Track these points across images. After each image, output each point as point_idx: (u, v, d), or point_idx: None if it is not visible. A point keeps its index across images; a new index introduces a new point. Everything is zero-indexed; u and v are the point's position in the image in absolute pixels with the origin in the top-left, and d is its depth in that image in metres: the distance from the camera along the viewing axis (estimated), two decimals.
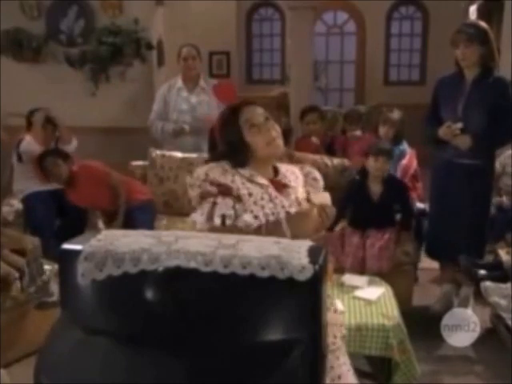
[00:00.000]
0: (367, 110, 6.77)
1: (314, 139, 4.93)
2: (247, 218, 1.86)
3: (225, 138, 2.01)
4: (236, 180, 1.92)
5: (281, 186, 1.99)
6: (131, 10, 5.30)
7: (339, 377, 2.01)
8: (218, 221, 1.84)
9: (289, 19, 8.50)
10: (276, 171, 2.06)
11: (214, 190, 1.88)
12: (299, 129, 5.51)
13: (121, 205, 4.08)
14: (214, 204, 1.87)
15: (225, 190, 1.88)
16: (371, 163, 3.76)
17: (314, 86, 8.20)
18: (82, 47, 5.31)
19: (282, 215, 1.92)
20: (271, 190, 1.95)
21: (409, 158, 4.35)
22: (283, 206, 1.94)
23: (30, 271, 3.26)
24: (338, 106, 9.48)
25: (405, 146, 4.42)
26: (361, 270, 3.57)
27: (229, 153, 1.99)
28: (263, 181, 1.96)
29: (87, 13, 5.32)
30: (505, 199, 4.30)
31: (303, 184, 2.08)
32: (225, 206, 1.86)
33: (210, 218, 1.87)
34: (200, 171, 1.93)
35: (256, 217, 1.89)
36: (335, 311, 2.07)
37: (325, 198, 2.02)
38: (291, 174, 2.08)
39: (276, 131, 1.99)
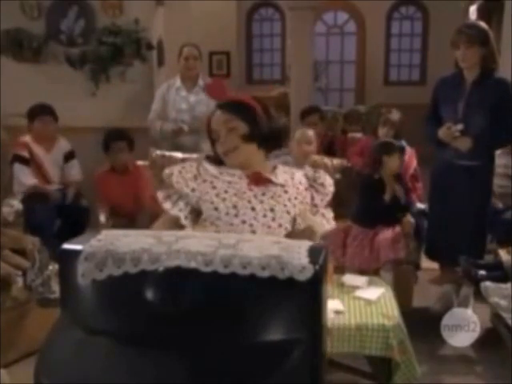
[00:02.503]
0: (367, 110, 6.78)
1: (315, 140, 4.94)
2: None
3: None
4: (187, 175, 1.98)
5: (259, 179, 1.98)
6: (131, 10, 5.29)
7: None
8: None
9: (289, 19, 8.50)
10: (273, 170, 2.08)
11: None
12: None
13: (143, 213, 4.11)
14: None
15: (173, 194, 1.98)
16: (387, 160, 3.80)
17: (314, 86, 8.20)
18: (83, 47, 5.30)
19: (247, 210, 1.92)
20: (240, 185, 1.96)
21: (408, 158, 4.36)
22: (250, 201, 1.93)
23: (41, 259, 3.29)
24: (338, 106, 9.48)
25: (404, 146, 4.43)
26: (368, 266, 3.60)
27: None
28: (232, 178, 1.98)
29: (87, 13, 5.31)
30: (498, 202, 4.28)
31: (305, 187, 2.07)
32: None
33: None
34: (165, 171, 2.02)
35: (216, 208, 1.91)
36: None
37: (317, 224, 2.00)
38: (289, 175, 2.07)
39: (230, 143, 1.98)
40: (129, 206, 4.15)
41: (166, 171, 2.01)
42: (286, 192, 1.99)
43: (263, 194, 1.96)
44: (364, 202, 3.92)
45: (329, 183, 2.11)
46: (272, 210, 1.93)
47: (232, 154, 1.99)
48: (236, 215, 1.90)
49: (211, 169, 2.01)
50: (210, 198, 1.93)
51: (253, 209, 1.92)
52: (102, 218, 4.19)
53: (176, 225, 1.92)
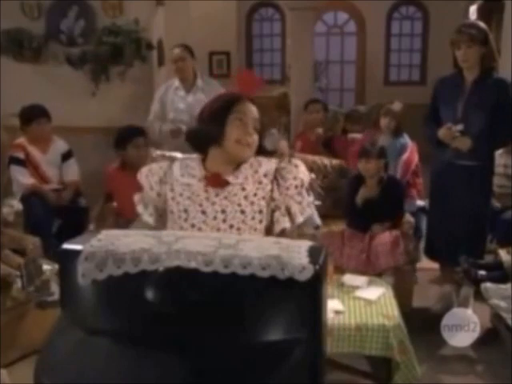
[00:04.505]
0: (367, 110, 6.76)
1: (319, 130, 4.98)
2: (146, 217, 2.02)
3: (211, 115, 1.97)
4: (152, 179, 2.01)
5: (216, 181, 1.94)
6: (131, 10, 5.30)
7: None
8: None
9: (289, 19, 8.49)
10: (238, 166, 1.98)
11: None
12: (300, 123, 5.59)
13: None
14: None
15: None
16: (359, 165, 3.83)
17: (314, 86, 8.20)
18: (83, 47, 5.31)
19: (197, 213, 1.91)
20: (196, 188, 1.94)
21: (410, 152, 4.32)
22: (201, 205, 1.91)
23: (28, 272, 3.25)
24: (339, 106, 9.47)
25: (406, 139, 4.39)
26: (365, 270, 3.57)
27: (203, 131, 1.99)
28: (191, 180, 1.95)
29: (87, 13, 5.32)
30: (496, 202, 4.28)
31: (270, 179, 1.95)
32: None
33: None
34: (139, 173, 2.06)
35: (171, 212, 1.94)
36: None
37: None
38: (252, 169, 1.97)
39: (252, 140, 1.95)
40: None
41: (138, 174, 2.05)
42: (243, 189, 1.92)
43: (216, 195, 1.92)
44: (346, 202, 3.92)
45: (293, 176, 1.95)
46: (223, 211, 1.90)
47: (249, 148, 1.95)
48: (186, 219, 1.90)
49: (176, 171, 1.99)
50: (168, 200, 1.96)
51: (203, 212, 1.90)
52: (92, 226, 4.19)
53: (149, 228, 1.96)
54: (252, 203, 1.91)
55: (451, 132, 3.54)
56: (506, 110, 3.48)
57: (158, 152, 4.56)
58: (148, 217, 2.01)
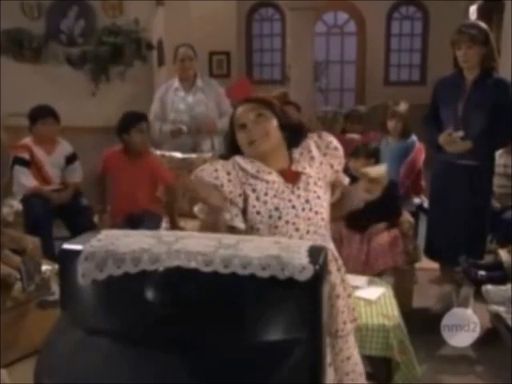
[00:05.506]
0: (367, 110, 6.77)
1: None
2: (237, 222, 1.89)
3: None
4: (234, 179, 1.91)
5: (293, 176, 1.98)
6: (131, 10, 5.30)
7: (348, 358, 2.05)
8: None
9: (289, 19, 8.49)
10: (291, 158, 2.02)
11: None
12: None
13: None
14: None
15: None
16: (349, 164, 3.81)
17: (314, 87, 8.20)
18: (83, 47, 5.31)
19: (289, 209, 1.91)
20: (278, 184, 1.94)
21: (415, 153, 4.31)
22: (290, 200, 1.93)
23: (27, 268, 3.25)
24: (339, 106, 9.47)
25: (414, 138, 4.38)
26: (364, 270, 3.56)
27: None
28: (270, 177, 1.95)
29: (87, 13, 5.33)
30: (496, 202, 4.27)
31: (323, 157, 2.04)
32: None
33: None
34: (196, 170, 1.96)
35: (258, 212, 1.91)
36: (349, 296, 2.10)
37: (381, 170, 2.03)
38: (306, 155, 2.02)
39: (257, 133, 1.95)
40: (140, 199, 4.09)
41: (211, 180, 1.88)
42: (310, 177, 1.99)
43: (298, 188, 1.96)
44: None
45: (338, 144, 2.09)
46: (307, 201, 1.96)
47: (260, 140, 1.95)
48: (280, 217, 1.92)
49: (249, 168, 1.95)
50: (252, 201, 1.92)
51: (293, 207, 1.94)
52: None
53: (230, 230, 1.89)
54: (320, 187, 2.01)
55: (452, 138, 3.54)
56: (506, 109, 3.48)
57: (158, 152, 4.59)
58: (239, 222, 1.90)
